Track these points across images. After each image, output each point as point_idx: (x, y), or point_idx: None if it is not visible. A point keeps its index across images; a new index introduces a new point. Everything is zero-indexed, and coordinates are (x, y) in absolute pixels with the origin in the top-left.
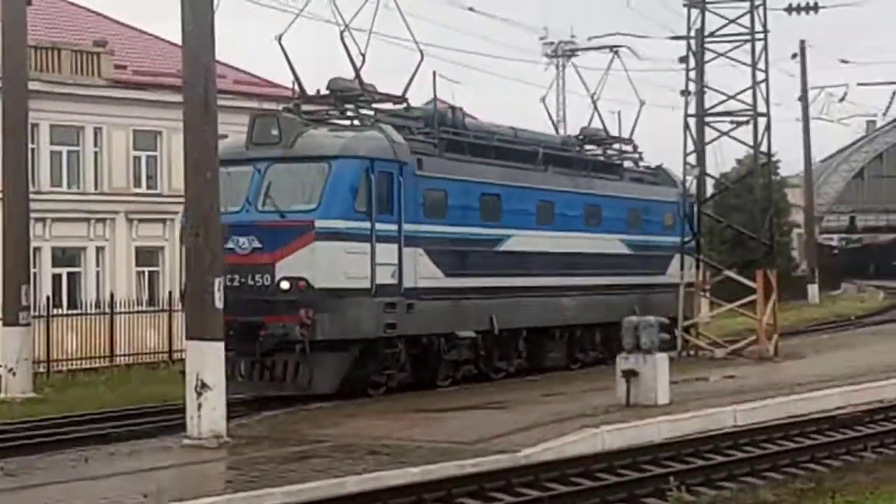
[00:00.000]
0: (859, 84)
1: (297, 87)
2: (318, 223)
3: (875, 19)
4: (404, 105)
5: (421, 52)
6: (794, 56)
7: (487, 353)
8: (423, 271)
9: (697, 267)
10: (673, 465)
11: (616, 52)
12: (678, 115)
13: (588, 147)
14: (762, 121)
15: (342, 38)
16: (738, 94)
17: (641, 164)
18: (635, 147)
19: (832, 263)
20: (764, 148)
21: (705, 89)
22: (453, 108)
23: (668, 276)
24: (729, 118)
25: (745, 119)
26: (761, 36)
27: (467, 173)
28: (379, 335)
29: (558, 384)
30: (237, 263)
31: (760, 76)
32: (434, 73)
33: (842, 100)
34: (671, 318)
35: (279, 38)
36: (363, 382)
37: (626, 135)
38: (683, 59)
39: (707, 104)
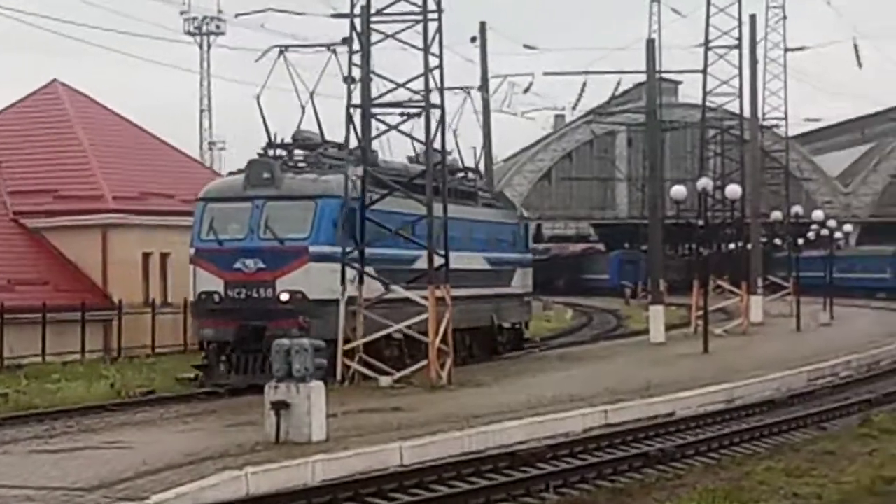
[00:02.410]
0: (546, 73)
1: (269, 137)
2: (312, 248)
3: (563, 2)
4: (346, 150)
5: None
6: (473, 40)
7: (408, 351)
8: (373, 286)
9: (361, 281)
10: None
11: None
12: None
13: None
14: (435, 113)
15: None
16: (409, 81)
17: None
18: (480, 175)
19: None
20: (438, 143)
21: (372, 76)
22: (372, 150)
23: (512, 287)
24: (399, 110)
25: (416, 111)
26: (435, 15)
27: (394, 205)
28: (350, 336)
29: (198, 418)
30: (245, 280)
31: (434, 62)
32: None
33: (527, 90)
34: (333, 340)
35: (258, 98)
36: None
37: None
38: (347, 41)
39: (374, 93)
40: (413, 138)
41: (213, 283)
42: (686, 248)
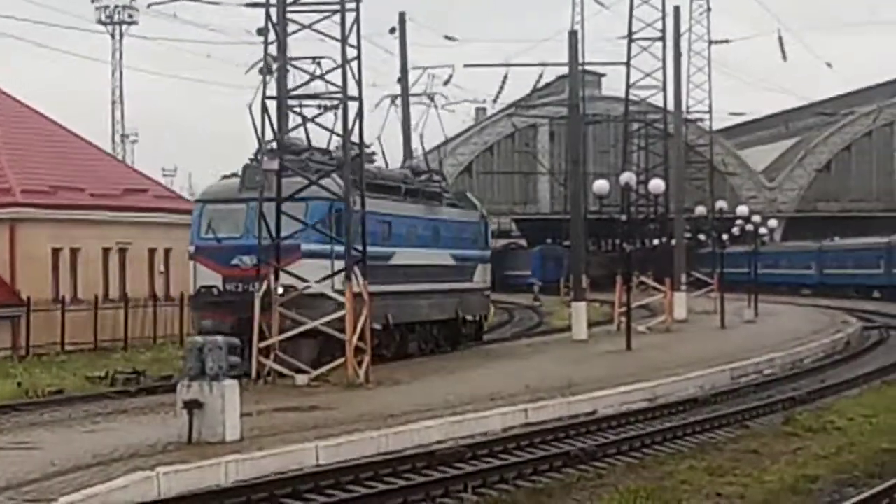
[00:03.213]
0: (467, 65)
1: (260, 143)
2: (304, 246)
3: None
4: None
5: None
6: (392, 31)
7: (384, 342)
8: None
9: (276, 278)
10: None
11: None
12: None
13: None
14: (353, 105)
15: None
16: (326, 73)
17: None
18: (443, 176)
19: None
20: (356, 137)
21: (288, 67)
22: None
23: (474, 282)
24: (316, 102)
25: (333, 103)
26: (353, 5)
27: (372, 206)
28: (337, 326)
29: (109, 418)
30: (242, 275)
31: (352, 53)
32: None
33: (447, 83)
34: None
35: (249, 105)
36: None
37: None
38: (262, 31)
39: (291, 84)
40: (331, 131)
41: (212, 277)
42: (609, 244)
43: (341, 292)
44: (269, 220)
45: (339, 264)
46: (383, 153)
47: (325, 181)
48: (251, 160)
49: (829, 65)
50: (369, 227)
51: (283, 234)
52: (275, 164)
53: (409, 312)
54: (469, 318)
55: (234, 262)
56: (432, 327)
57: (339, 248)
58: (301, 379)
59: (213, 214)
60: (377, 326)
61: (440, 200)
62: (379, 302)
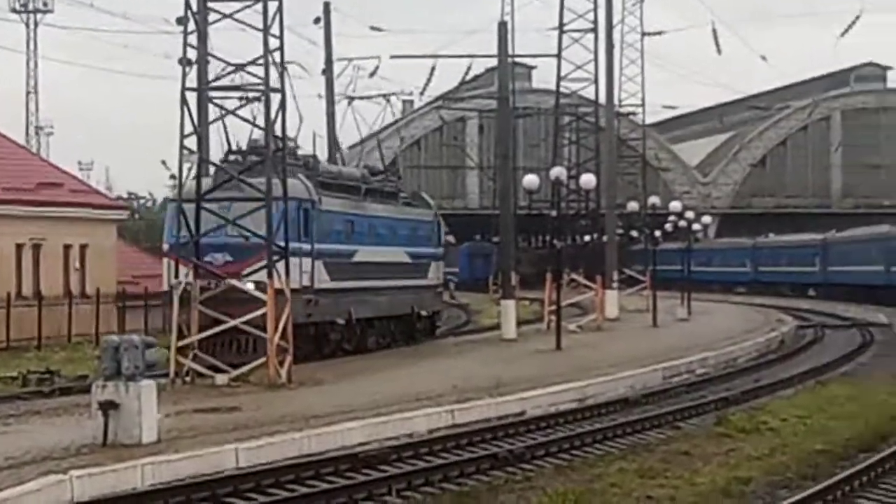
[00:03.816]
0: (393, 56)
1: (229, 145)
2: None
3: None
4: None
5: None
6: (316, 21)
7: (346, 336)
8: (321, 277)
9: (196, 274)
10: None
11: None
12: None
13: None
14: (276, 97)
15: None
16: (248, 64)
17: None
18: (399, 176)
19: None
20: (278, 131)
21: (209, 58)
22: (314, 156)
23: (429, 279)
24: (238, 93)
25: (255, 95)
26: None
27: (336, 206)
28: (304, 321)
29: (21, 420)
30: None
31: (275, 43)
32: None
33: (373, 74)
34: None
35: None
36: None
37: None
38: (182, 21)
39: (212, 76)
40: (251, 123)
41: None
42: (539, 240)
43: (311, 289)
44: (240, 220)
45: (307, 260)
46: (340, 152)
47: (293, 181)
48: (222, 161)
49: (763, 58)
50: (334, 225)
51: (256, 233)
52: (193, 159)
53: (369, 308)
54: (424, 313)
55: (207, 259)
56: (390, 322)
57: (307, 246)
58: (221, 379)
59: (186, 213)
60: (341, 321)
61: (397, 200)
62: (343, 298)
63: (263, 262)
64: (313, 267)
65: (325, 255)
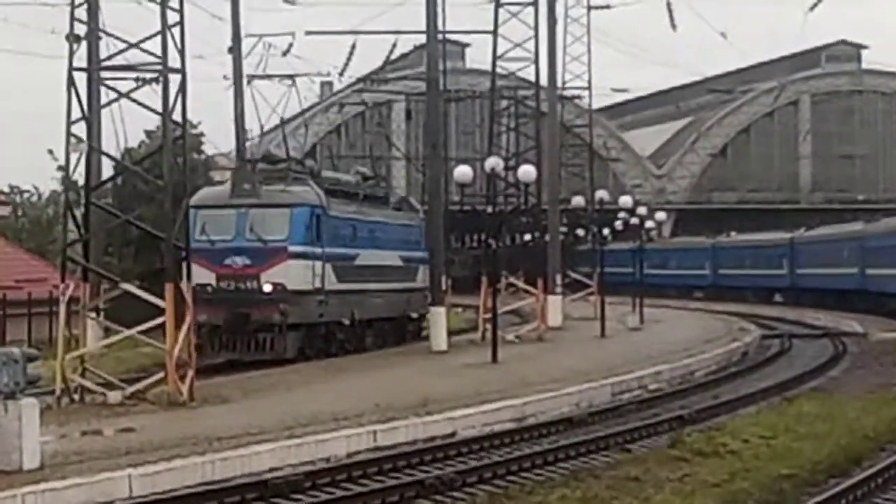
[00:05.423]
0: (308, 33)
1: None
2: (290, 248)
3: None
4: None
5: None
6: None
7: (348, 337)
8: (330, 279)
9: (85, 279)
10: None
11: None
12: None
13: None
14: (175, 79)
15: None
16: (144, 41)
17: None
18: (387, 181)
19: None
20: (178, 115)
21: (100, 34)
22: (314, 159)
23: (417, 282)
24: (133, 74)
25: (153, 76)
26: None
27: (341, 211)
28: (316, 321)
29: None
30: (234, 274)
31: (174, 18)
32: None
33: (286, 53)
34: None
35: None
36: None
37: None
38: None
39: (104, 54)
40: (147, 107)
41: (206, 276)
42: (473, 240)
43: (323, 290)
44: (257, 226)
45: (318, 263)
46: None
47: (306, 188)
48: (238, 167)
49: (723, 35)
50: (340, 230)
51: (269, 237)
52: (82, 147)
53: (369, 309)
54: (413, 315)
55: (227, 262)
56: (384, 324)
57: (318, 250)
58: (114, 396)
59: (206, 219)
60: (346, 321)
61: (388, 204)
62: (348, 299)
63: (280, 266)
64: (324, 269)
65: (334, 259)
